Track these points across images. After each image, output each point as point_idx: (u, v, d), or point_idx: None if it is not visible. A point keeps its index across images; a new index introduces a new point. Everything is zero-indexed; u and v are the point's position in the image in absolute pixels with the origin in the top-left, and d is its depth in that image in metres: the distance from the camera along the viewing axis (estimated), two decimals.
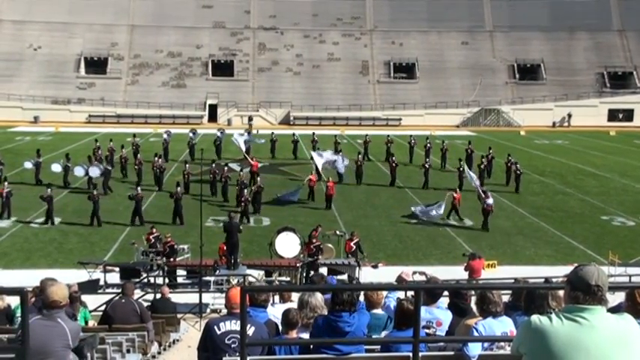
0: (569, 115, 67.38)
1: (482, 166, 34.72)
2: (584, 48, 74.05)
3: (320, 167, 33.39)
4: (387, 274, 19.29)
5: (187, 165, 33.23)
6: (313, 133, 44.67)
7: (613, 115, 68.39)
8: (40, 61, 69.11)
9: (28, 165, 34.00)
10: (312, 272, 17.81)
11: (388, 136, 43.88)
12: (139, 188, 27.24)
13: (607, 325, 3.10)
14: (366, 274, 19.49)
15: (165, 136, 42.19)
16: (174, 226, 25.12)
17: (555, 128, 65.89)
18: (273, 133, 45.53)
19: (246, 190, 27.40)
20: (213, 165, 31.01)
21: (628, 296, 4.70)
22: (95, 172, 32.42)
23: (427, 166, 33.89)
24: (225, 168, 30.84)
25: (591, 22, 74.35)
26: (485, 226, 25.69)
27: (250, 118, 59.86)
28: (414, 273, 8.43)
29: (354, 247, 20.81)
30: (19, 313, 10.05)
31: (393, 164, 34.58)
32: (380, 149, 42.09)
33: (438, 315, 6.03)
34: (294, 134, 45.59)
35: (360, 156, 36.29)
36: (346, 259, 20.39)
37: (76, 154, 38.51)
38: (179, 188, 27.13)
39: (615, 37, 75.37)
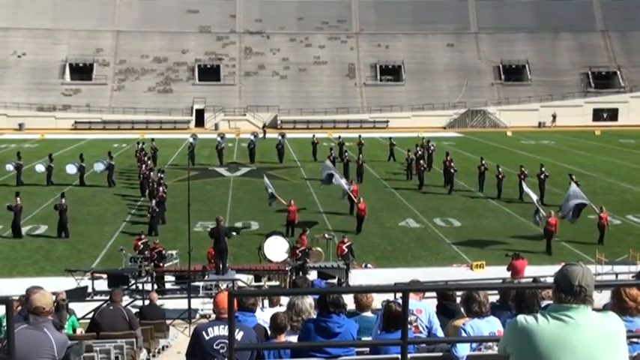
0: (554, 116, 67.84)
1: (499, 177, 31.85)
2: (568, 48, 74.64)
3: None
4: (376, 276, 19.34)
5: (151, 173, 32.69)
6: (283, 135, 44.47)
7: (598, 114, 68.92)
8: (24, 67, 68.57)
9: (10, 167, 33.99)
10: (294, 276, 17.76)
11: (360, 136, 43.97)
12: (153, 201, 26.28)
13: (592, 323, 3.12)
14: (356, 277, 19.48)
15: (191, 140, 41.36)
16: (63, 241, 24.17)
17: (541, 128, 66.29)
18: (314, 135, 45.14)
19: (153, 201, 26.19)
20: (152, 173, 30.03)
21: (614, 294, 4.73)
22: (99, 166, 32.43)
23: (453, 171, 32.75)
24: (160, 175, 29.53)
25: (575, 22, 74.98)
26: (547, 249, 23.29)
27: (264, 125, 59.85)
28: None
29: (346, 249, 20.78)
30: (5, 322, 9.95)
31: (422, 168, 33.84)
32: (353, 151, 42.11)
33: (417, 305, 5.95)
34: (283, 135, 45.20)
35: (361, 155, 36.18)
36: (336, 262, 20.36)
37: (62, 160, 38.24)
38: (64, 200, 25.23)
39: (599, 37, 76.03)
